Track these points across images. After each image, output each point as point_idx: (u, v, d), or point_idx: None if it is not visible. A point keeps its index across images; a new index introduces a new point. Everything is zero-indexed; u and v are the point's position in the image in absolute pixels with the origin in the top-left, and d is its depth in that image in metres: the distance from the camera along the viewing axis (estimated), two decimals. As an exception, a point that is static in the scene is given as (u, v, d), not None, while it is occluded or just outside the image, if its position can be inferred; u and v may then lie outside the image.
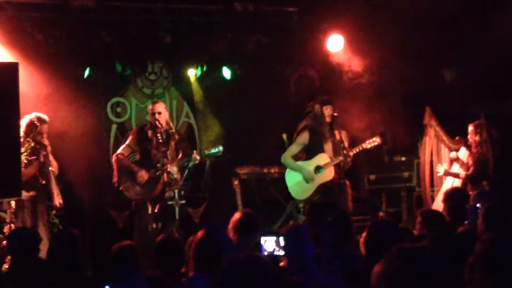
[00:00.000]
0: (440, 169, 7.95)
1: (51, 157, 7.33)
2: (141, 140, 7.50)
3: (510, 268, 3.04)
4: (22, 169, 6.89)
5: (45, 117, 7.36)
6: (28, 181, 7.10)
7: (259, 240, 3.59)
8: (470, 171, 7.76)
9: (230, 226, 5.01)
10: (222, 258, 3.77)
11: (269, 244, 3.60)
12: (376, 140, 7.52)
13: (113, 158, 7.54)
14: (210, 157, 7.56)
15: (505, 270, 3.03)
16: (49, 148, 7.33)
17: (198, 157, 7.31)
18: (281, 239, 3.59)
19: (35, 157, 7.18)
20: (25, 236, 5.30)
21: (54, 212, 7.28)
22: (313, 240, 3.59)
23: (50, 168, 7.24)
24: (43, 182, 7.23)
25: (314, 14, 9.08)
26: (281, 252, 3.61)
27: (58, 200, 7.20)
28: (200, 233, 4.06)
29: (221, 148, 7.43)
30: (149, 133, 7.49)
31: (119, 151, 7.59)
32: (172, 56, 9.28)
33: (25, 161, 7.02)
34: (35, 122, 7.17)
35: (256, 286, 2.37)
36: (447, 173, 7.91)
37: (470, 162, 7.78)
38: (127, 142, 7.65)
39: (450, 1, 8.21)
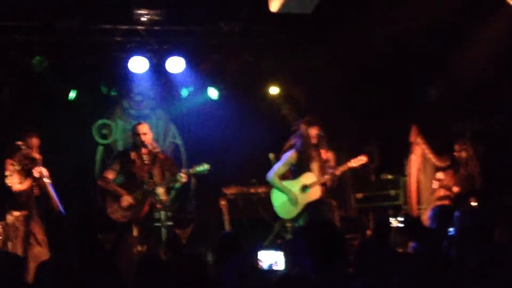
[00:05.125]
0: (435, 184, 7.94)
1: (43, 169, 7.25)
2: (124, 163, 7.45)
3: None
4: (17, 184, 6.97)
5: (31, 130, 7.28)
6: (20, 199, 7.05)
7: (256, 256, 3.56)
8: (458, 189, 7.77)
9: (216, 248, 4.99)
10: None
11: (268, 259, 3.58)
12: (362, 159, 7.52)
13: (98, 182, 7.48)
14: (196, 175, 7.50)
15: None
16: (39, 162, 7.23)
17: (184, 177, 7.26)
18: (280, 254, 3.58)
19: (24, 175, 7.11)
20: (6, 261, 5.23)
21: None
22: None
23: (45, 180, 7.15)
24: (38, 194, 7.15)
25: (300, 34, 9.11)
26: (280, 267, 3.59)
27: (58, 208, 7.14)
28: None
29: (206, 166, 7.36)
30: (132, 155, 7.44)
31: (103, 174, 7.53)
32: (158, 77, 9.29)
33: (13, 182, 6.99)
34: (19, 144, 7.11)
35: None
36: (442, 185, 7.89)
37: (457, 181, 7.79)
38: (111, 166, 7.57)
39: (435, 19, 8.26)
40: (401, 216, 6.39)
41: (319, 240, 3.83)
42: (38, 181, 7.12)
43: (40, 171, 7.11)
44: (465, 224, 4.58)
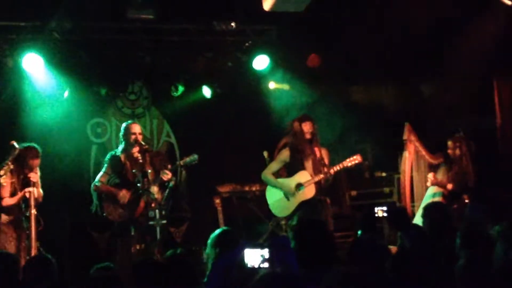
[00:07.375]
0: (429, 181, 7.93)
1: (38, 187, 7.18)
2: (115, 165, 7.45)
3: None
4: (7, 199, 6.94)
5: (37, 148, 7.15)
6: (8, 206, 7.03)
7: (243, 254, 3.58)
8: (451, 186, 7.79)
9: (209, 242, 5.01)
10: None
11: (253, 257, 3.59)
12: (357, 158, 7.54)
13: (92, 188, 7.45)
14: (186, 166, 7.50)
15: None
16: (38, 184, 7.12)
17: (168, 173, 7.24)
18: (266, 252, 3.59)
19: (19, 188, 7.05)
20: (5, 259, 5.24)
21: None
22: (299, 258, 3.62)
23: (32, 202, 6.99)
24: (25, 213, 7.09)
25: (293, 33, 9.11)
26: (266, 265, 3.60)
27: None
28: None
29: (196, 156, 7.37)
30: (122, 157, 7.44)
31: (97, 179, 7.48)
32: (152, 76, 9.29)
33: (4, 184, 6.95)
34: (21, 153, 7.00)
35: None
36: (436, 183, 7.89)
37: (450, 178, 7.81)
38: (103, 170, 7.53)
39: (428, 17, 8.29)
40: (386, 206, 6.41)
41: (308, 240, 3.86)
42: (26, 202, 7.06)
43: (30, 191, 6.99)
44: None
